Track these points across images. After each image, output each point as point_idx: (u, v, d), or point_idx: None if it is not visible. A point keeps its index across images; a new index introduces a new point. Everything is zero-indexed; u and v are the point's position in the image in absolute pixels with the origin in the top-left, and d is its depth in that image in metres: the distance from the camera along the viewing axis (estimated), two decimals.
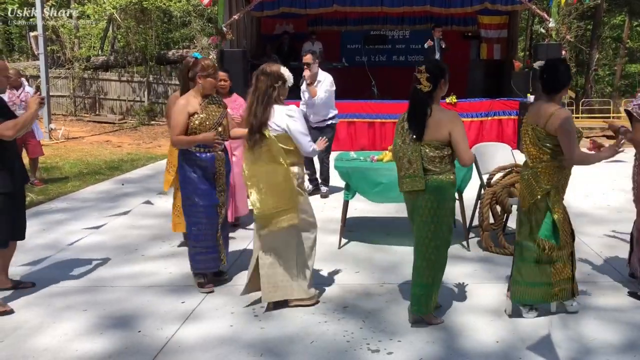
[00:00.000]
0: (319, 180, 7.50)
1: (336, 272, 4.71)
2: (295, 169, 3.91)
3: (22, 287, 4.38)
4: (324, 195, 7.36)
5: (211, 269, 4.46)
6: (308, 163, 7.27)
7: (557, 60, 3.81)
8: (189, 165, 4.29)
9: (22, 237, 4.35)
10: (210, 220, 4.33)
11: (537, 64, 3.69)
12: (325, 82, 7.01)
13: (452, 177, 3.63)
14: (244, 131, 4.03)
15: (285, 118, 3.85)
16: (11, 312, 3.95)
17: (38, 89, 4.32)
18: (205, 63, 4.28)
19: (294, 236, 3.95)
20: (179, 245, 5.43)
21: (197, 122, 4.21)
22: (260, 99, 3.84)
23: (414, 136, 3.58)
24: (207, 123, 4.24)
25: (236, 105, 5.64)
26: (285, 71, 3.96)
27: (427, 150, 3.57)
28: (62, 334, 3.66)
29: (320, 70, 7.06)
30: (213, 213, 4.33)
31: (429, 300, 3.70)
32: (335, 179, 6.99)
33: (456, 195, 5.33)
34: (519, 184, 3.95)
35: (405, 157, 3.63)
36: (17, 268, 4.84)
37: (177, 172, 4.74)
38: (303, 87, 7.09)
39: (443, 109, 3.62)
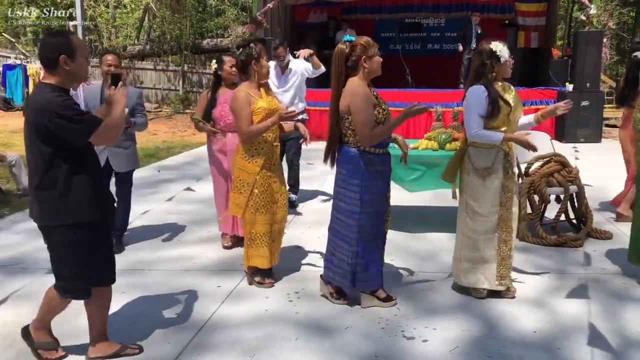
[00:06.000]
0: (287, 187, 6.33)
1: None
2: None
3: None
4: (293, 205, 6.20)
5: (377, 287, 3.83)
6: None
7: None
8: (370, 172, 3.60)
9: (113, 280, 3.21)
10: (379, 230, 3.77)
11: None
12: (292, 74, 6.24)
13: None
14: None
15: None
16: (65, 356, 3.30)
17: (117, 78, 3.02)
18: (365, 41, 3.59)
19: None
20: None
21: (381, 115, 3.58)
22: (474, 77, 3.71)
23: None
24: (386, 112, 3.63)
25: None
26: (496, 46, 3.71)
27: None
28: None
29: (291, 59, 6.30)
30: (381, 221, 3.76)
31: None
32: (305, 184, 6.81)
33: None
34: None
35: None
36: None
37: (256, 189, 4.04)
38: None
39: None
